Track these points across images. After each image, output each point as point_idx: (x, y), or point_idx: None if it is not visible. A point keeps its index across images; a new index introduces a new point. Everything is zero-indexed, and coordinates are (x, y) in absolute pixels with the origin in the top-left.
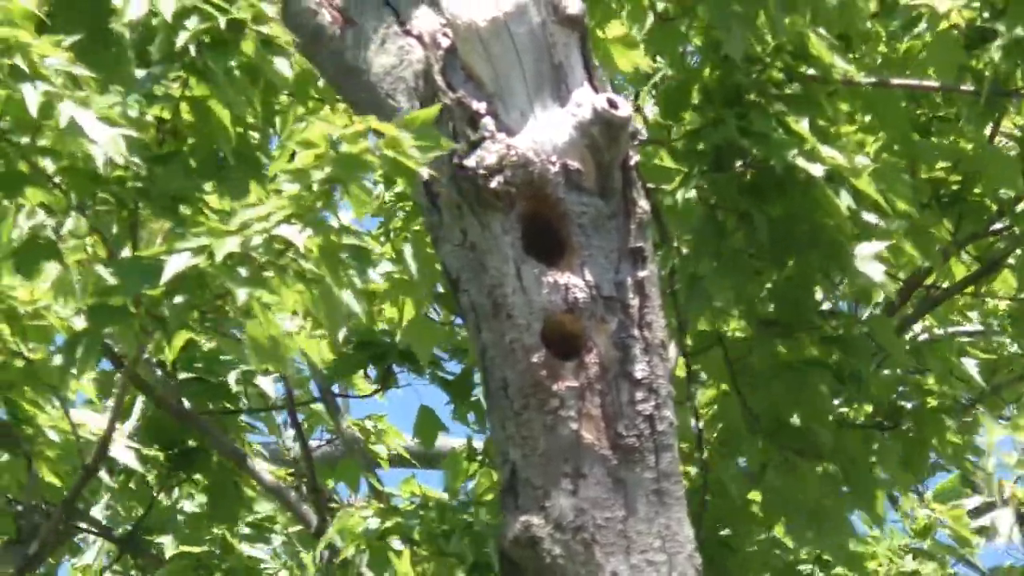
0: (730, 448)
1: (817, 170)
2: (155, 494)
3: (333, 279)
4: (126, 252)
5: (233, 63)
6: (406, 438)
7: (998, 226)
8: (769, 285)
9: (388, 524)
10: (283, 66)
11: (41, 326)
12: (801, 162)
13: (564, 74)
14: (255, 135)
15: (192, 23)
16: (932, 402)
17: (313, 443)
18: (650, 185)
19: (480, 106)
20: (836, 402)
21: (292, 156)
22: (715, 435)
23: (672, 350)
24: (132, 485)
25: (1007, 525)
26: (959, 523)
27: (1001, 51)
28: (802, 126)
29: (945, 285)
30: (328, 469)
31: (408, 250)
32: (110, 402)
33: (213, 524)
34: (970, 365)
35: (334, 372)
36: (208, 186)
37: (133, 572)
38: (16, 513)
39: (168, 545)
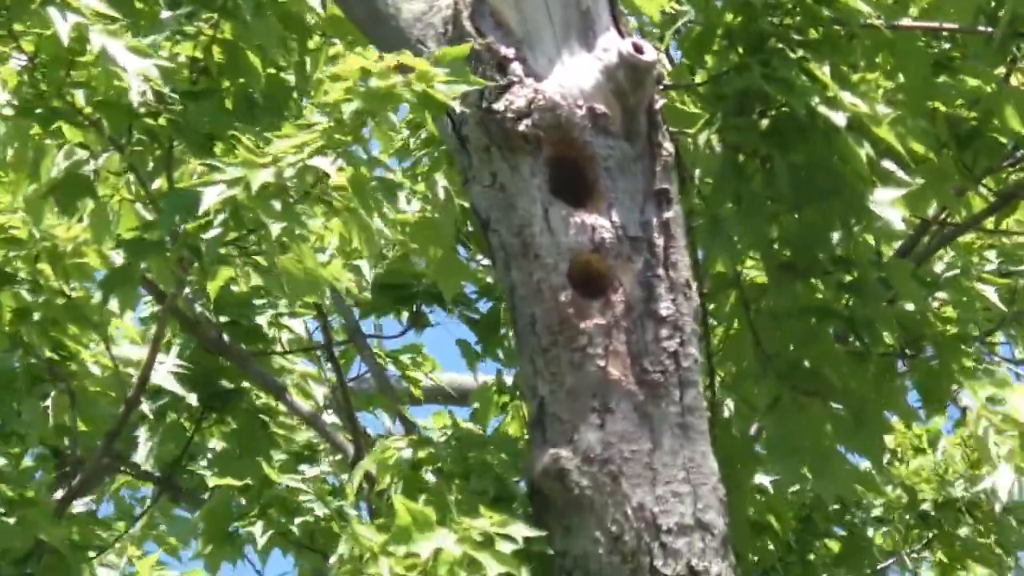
0: (739, 386)
1: (839, 118)
2: (189, 435)
3: (364, 208)
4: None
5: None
6: (439, 375)
7: (1012, 161)
8: (787, 229)
9: (421, 455)
10: (315, 2)
11: (81, 263)
12: (823, 109)
13: (591, 20)
14: (289, 77)
15: None
16: (952, 330)
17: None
18: (672, 129)
19: (508, 51)
20: (848, 342)
21: (324, 92)
22: (723, 374)
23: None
24: (173, 417)
25: (1006, 486)
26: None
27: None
28: (824, 72)
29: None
30: (364, 401)
31: (436, 189)
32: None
33: (245, 459)
34: (990, 292)
35: (365, 312)
36: (241, 125)
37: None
38: (60, 449)
39: (209, 479)
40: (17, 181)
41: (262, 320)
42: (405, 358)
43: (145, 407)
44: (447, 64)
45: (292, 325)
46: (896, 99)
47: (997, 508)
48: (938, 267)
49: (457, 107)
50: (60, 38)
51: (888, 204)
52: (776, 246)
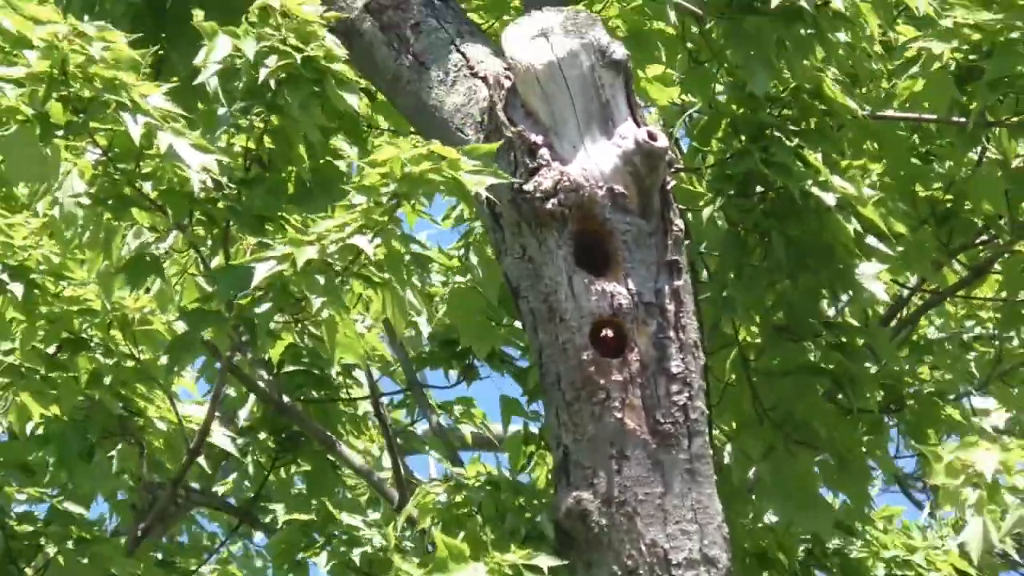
0: (737, 436)
1: (830, 199)
2: (267, 473)
3: (397, 281)
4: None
5: (307, 96)
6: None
7: (984, 238)
8: (782, 296)
9: (457, 499)
10: (352, 99)
11: (148, 331)
12: (815, 191)
13: (610, 111)
14: (341, 162)
15: (271, 61)
16: (930, 388)
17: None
18: (682, 207)
19: (537, 138)
20: (838, 397)
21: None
22: (722, 424)
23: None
24: (249, 466)
25: (977, 540)
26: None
27: (987, 87)
28: (816, 158)
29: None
30: (420, 444)
31: (474, 259)
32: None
33: (312, 498)
34: (969, 359)
35: (421, 364)
36: (290, 207)
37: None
38: (134, 491)
39: (280, 514)
40: (91, 259)
41: (333, 370)
42: (457, 408)
43: (232, 447)
44: (477, 157)
45: (358, 375)
46: (880, 182)
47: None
48: (930, 331)
49: (483, 194)
50: (132, 136)
51: (872, 276)
52: (772, 311)
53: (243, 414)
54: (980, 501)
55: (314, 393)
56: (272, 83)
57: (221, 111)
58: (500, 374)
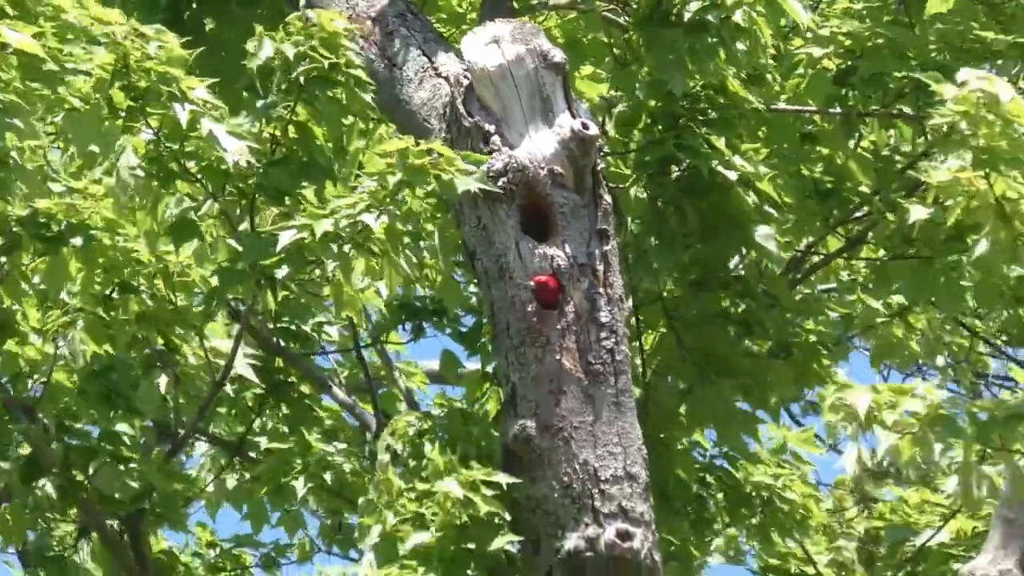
0: (666, 374)
1: (732, 175)
2: (254, 414)
3: (395, 252)
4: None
5: (331, 94)
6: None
7: (859, 213)
8: (696, 256)
9: (425, 426)
10: (366, 97)
11: (186, 282)
12: (720, 169)
13: (551, 105)
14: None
15: (304, 65)
16: (812, 339)
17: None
18: (611, 184)
19: (490, 128)
20: (746, 340)
21: (372, 164)
22: (655, 364)
23: (628, 303)
24: (247, 400)
25: (851, 463)
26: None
27: (860, 84)
28: (720, 142)
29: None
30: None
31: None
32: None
33: (292, 434)
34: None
35: (383, 325)
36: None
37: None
38: (166, 419)
39: (265, 445)
40: (141, 220)
41: (308, 326)
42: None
43: (228, 389)
44: (467, 160)
45: (330, 332)
46: (772, 163)
47: (849, 473)
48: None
49: (473, 186)
50: (179, 121)
51: (768, 237)
52: (689, 269)
53: (245, 352)
54: (855, 432)
55: (291, 345)
56: (302, 80)
57: (259, 103)
58: (443, 333)
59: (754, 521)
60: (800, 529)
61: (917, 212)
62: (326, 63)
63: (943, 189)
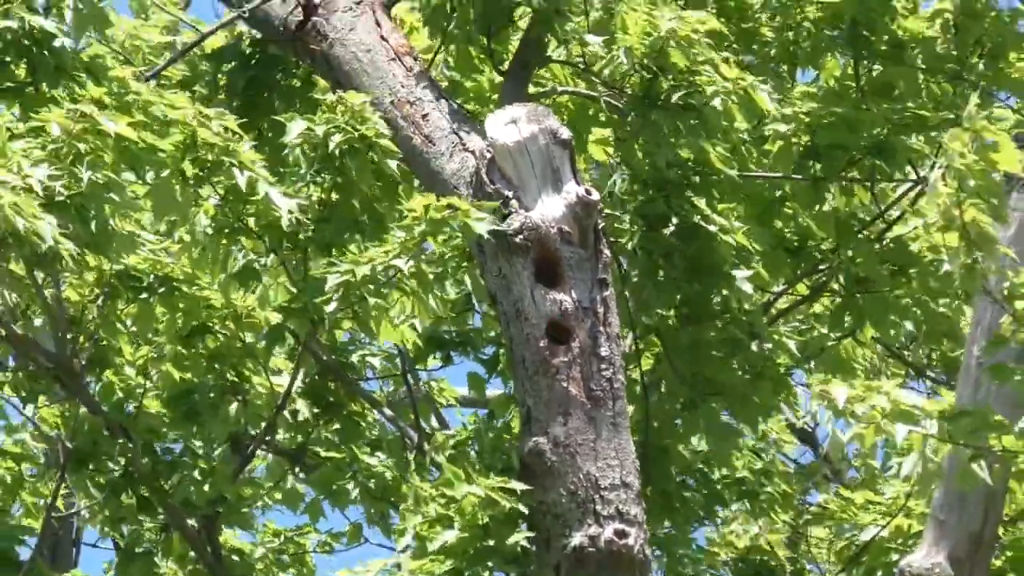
0: (663, 393)
1: (713, 229)
2: (310, 429)
3: (424, 291)
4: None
5: (362, 162)
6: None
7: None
8: (686, 296)
9: (460, 438)
10: (392, 164)
11: (252, 322)
12: (703, 223)
13: (560, 174)
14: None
15: (336, 138)
16: (782, 365)
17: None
18: (612, 238)
19: (509, 193)
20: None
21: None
22: (654, 385)
23: (629, 339)
24: (307, 419)
25: (834, 444)
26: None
27: (820, 156)
28: (702, 202)
29: (791, 296)
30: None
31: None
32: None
33: (343, 446)
34: (792, 345)
35: (417, 355)
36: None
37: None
38: (233, 436)
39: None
40: (213, 271)
41: (355, 357)
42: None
43: (307, 410)
44: (483, 209)
45: (374, 362)
46: (747, 218)
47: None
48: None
49: (484, 231)
50: (240, 186)
51: (744, 279)
52: (680, 306)
53: (296, 382)
54: (830, 418)
55: (347, 371)
56: (338, 152)
57: (301, 170)
58: (469, 358)
59: (731, 511)
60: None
61: (903, 227)
62: (356, 135)
63: (927, 209)
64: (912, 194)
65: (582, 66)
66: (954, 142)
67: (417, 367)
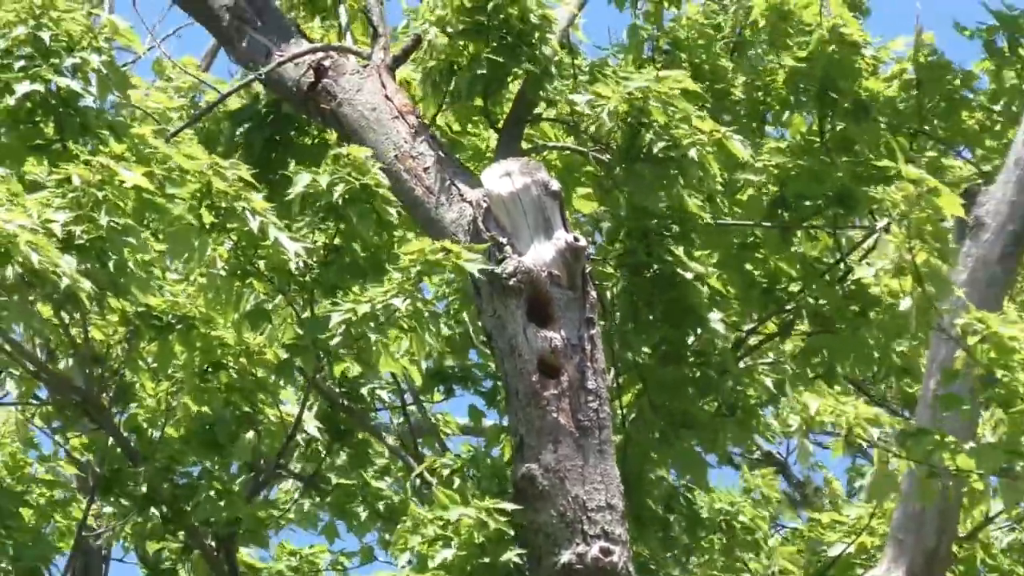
0: (641, 425)
1: (689, 275)
2: (323, 455)
3: (420, 328)
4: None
5: (363, 210)
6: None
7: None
8: (664, 335)
9: (455, 465)
10: (391, 211)
11: (263, 358)
12: (679, 270)
13: (551, 223)
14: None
15: (339, 188)
16: (753, 400)
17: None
18: (597, 281)
19: (503, 240)
20: (702, 401)
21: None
22: (632, 418)
23: (611, 374)
24: (318, 448)
25: (802, 452)
26: (768, 483)
27: (790, 205)
28: (679, 250)
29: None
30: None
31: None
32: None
33: (353, 471)
34: (768, 381)
35: (422, 389)
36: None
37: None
38: (249, 465)
39: (334, 481)
40: (227, 311)
41: (364, 391)
42: (441, 418)
43: (318, 434)
44: (474, 251)
45: (382, 394)
46: (720, 263)
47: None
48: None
49: (476, 273)
50: (252, 231)
51: (718, 320)
52: (658, 345)
53: (310, 413)
54: (801, 429)
55: (354, 404)
56: (340, 201)
57: (306, 219)
58: (470, 392)
59: (714, 542)
60: (751, 547)
61: (862, 270)
62: (357, 184)
63: (882, 256)
64: (871, 240)
65: (570, 123)
66: (900, 192)
67: (423, 399)
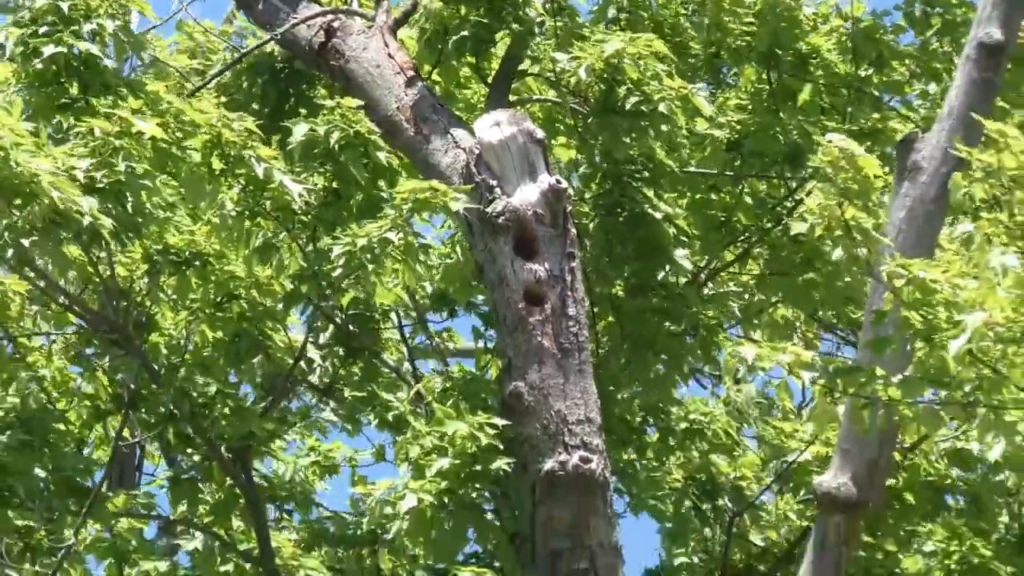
0: (612, 350)
1: (658, 215)
2: (336, 372)
3: (411, 259)
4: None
5: (356, 154)
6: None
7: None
8: (634, 269)
9: (448, 384)
10: (382, 155)
11: (271, 289)
12: (650, 210)
13: (535, 167)
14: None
15: (335, 135)
16: (715, 321)
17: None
18: (576, 221)
19: (494, 183)
20: (668, 324)
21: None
22: (605, 342)
23: (586, 302)
24: (334, 362)
25: (744, 396)
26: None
27: (745, 155)
28: (651, 192)
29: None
30: (425, 353)
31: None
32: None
33: (364, 384)
34: (735, 307)
35: (426, 308)
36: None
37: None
38: (260, 384)
39: (347, 393)
40: (237, 247)
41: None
42: (445, 335)
43: (316, 355)
44: (459, 191)
45: (392, 317)
46: (685, 206)
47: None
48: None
49: (462, 211)
50: (258, 175)
51: (683, 256)
52: (629, 278)
53: (324, 335)
54: (744, 374)
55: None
56: (336, 147)
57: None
58: (470, 315)
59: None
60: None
61: (797, 227)
62: (351, 131)
63: (813, 212)
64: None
65: (552, 79)
66: (826, 155)
67: (428, 318)
